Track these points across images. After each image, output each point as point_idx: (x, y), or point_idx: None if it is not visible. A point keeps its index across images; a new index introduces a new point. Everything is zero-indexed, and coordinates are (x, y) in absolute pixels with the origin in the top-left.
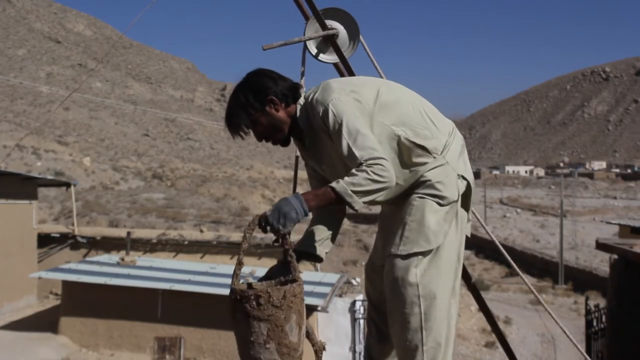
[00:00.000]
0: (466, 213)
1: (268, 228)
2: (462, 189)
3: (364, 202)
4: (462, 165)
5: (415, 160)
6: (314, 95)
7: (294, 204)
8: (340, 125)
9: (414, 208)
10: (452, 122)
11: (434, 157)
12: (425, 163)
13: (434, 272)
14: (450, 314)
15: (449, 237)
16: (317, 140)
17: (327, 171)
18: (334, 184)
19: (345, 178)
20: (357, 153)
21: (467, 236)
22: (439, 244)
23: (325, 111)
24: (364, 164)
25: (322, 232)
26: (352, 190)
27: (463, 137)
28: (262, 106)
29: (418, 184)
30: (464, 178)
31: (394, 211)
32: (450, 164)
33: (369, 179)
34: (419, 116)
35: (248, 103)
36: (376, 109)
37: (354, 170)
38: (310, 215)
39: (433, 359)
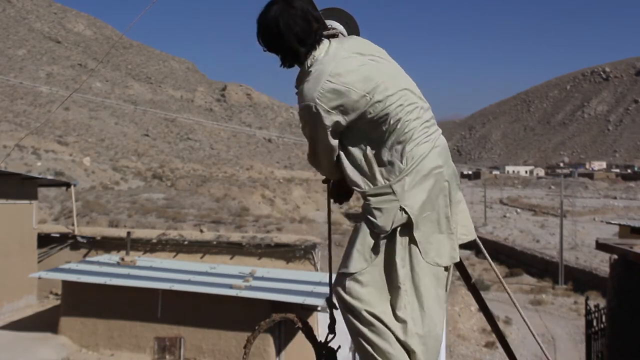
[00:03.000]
0: (432, 241)
1: None
2: (401, 221)
3: None
4: (414, 196)
5: (374, 173)
6: (308, 79)
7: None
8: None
9: (355, 228)
10: (434, 138)
11: (384, 182)
12: (376, 179)
13: (365, 290)
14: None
15: (385, 265)
16: None
17: None
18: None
19: None
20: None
21: (452, 264)
22: (357, 270)
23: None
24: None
25: None
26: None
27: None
28: (318, 24)
29: (365, 200)
30: (405, 212)
31: None
32: (397, 194)
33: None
34: (391, 142)
35: (310, 15)
36: (366, 107)
37: None
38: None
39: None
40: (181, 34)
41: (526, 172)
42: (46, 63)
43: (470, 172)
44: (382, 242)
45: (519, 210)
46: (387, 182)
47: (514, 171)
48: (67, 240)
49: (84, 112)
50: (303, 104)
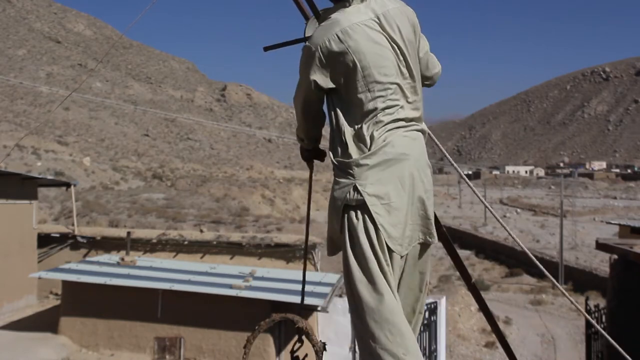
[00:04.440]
0: (385, 229)
1: None
2: (355, 200)
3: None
4: (371, 178)
5: (346, 145)
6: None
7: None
8: None
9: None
10: (407, 131)
11: (351, 158)
12: (347, 153)
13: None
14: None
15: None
16: None
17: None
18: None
19: None
20: None
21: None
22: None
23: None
24: None
25: None
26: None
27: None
28: None
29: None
30: (359, 193)
31: None
32: (355, 172)
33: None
34: (368, 121)
35: None
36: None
37: None
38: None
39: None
40: (181, 34)
41: (526, 172)
42: (46, 63)
43: (470, 172)
44: (352, 220)
45: (519, 210)
46: (352, 158)
47: (514, 171)
48: (67, 240)
49: (84, 112)
50: (307, 43)
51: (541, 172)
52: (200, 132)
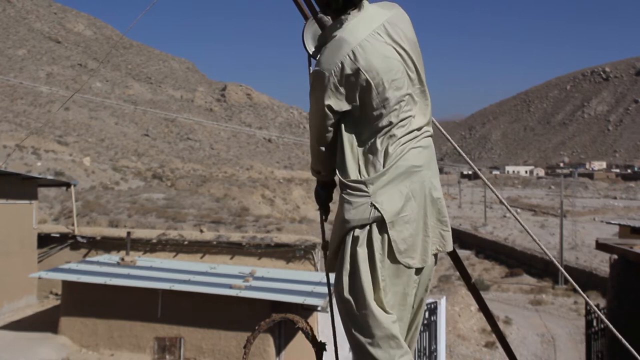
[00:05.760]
0: (400, 242)
1: None
2: (373, 218)
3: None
4: (388, 193)
5: (358, 164)
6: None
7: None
8: None
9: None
10: (418, 140)
11: (364, 176)
12: (359, 172)
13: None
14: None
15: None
16: None
17: None
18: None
19: None
20: None
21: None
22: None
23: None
24: None
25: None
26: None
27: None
28: None
29: (341, 190)
30: (377, 210)
31: None
32: (371, 190)
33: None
34: (382, 136)
35: None
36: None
37: None
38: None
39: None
40: (181, 34)
41: (526, 172)
42: (46, 63)
43: (470, 172)
44: (357, 237)
45: (519, 210)
46: (366, 176)
47: (514, 171)
48: (67, 240)
49: (84, 112)
50: (317, 68)
51: (541, 172)
52: (200, 132)
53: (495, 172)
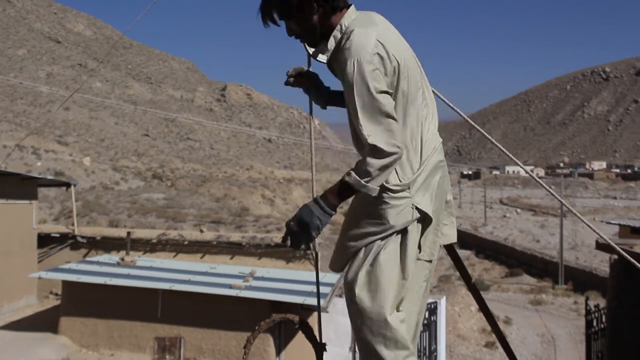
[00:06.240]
0: (431, 238)
1: (295, 244)
2: (415, 218)
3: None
4: (423, 193)
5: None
6: (347, 39)
7: (315, 211)
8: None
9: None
10: (438, 140)
11: (401, 179)
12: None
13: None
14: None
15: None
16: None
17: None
18: (347, 179)
19: (357, 169)
20: (365, 128)
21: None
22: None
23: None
24: (369, 149)
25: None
26: (365, 182)
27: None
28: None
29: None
30: (418, 211)
31: None
32: (411, 191)
33: (379, 169)
34: (417, 141)
35: None
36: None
37: (364, 160)
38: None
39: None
40: (181, 34)
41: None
42: (46, 63)
43: (470, 172)
44: (391, 237)
45: (519, 210)
46: (405, 176)
47: (514, 171)
48: (67, 240)
49: (84, 112)
50: (357, 58)
51: (541, 172)
52: (200, 132)
53: (495, 172)
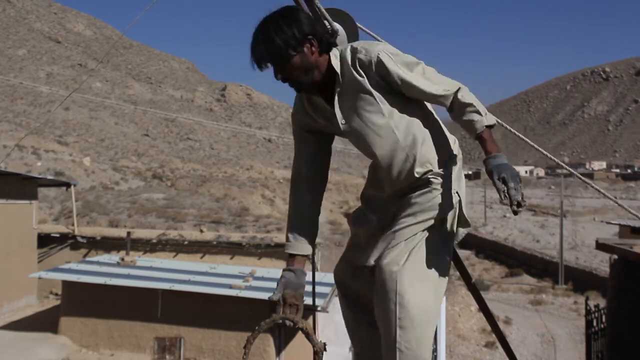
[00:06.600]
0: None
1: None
2: (456, 205)
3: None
4: (461, 180)
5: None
6: (356, 47)
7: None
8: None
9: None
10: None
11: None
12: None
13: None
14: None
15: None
16: (352, 96)
17: (349, 130)
18: (486, 123)
19: (471, 113)
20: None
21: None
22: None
23: (380, 62)
24: (458, 91)
25: (309, 230)
26: (486, 114)
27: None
28: (301, 44)
29: (429, 182)
30: (460, 197)
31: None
32: (453, 178)
33: (475, 100)
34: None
35: (289, 35)
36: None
37: (465, 101)
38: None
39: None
40: (181, 34)
41: (526, 172)
42: (46, 63)
43: (470, 172)
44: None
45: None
46: (457, 161)
47: None
48: (67, 240)
49: (84, 112)
50: (381, 48)
51: (541, 172)
52: (200, 132)
53: None
